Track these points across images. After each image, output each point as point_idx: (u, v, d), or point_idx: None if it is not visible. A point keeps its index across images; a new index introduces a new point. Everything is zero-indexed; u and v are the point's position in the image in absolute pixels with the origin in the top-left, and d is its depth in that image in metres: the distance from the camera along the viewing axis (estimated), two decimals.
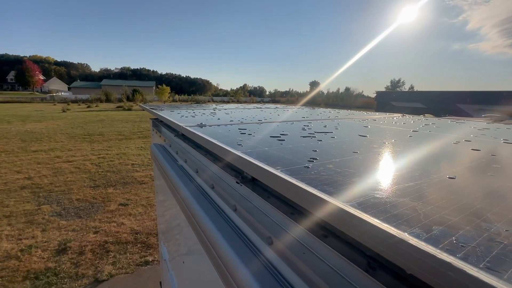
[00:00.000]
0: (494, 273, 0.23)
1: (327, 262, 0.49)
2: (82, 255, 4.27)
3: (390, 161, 0.72)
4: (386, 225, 0.34)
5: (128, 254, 4.37)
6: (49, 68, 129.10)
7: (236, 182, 0.79)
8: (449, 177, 0.58)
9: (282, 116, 1.82)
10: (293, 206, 0.61)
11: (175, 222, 1.70)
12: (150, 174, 8.03)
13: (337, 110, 2.72)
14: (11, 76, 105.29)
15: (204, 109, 2.37)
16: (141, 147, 11.72)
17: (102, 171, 8.27)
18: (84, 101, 45.09)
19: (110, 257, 4.26)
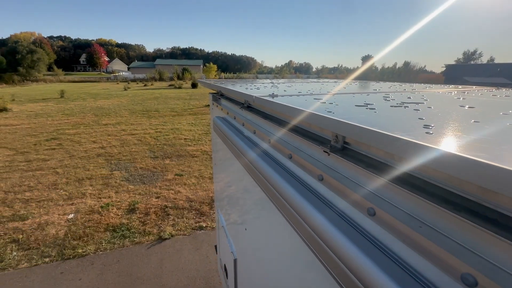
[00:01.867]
0: None
1: (454, 238, 0.44)
2: (148, 215, 4.88)
3: None
4: None
5: (184, 218, 4.84)
6: (112, 50, 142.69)
7: (324, 151, 0.76)
8: None
9: (351, 89, 1.69)
10: (401, 176, 0.55)
11: (239, 194, 1.78)
12: (201, 149, 8.56)
13: (408, 83, 2.42)
14: (83, 58, 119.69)
15: (262, 83, 2.34)
16: (192, 123, 12.46)
17: (160, 144, 9.09)
18: (141, 80, 49.25)
19: (170, 220, 4.78)
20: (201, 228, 4.59)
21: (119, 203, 5.25)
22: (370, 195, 0.59)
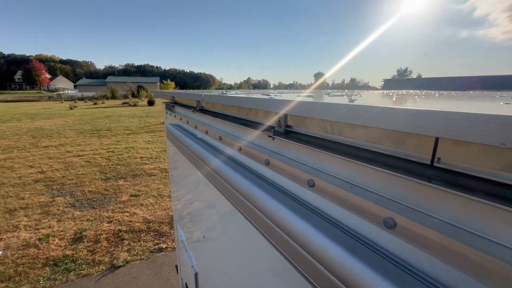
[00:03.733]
0: None
1: (376, 191, 0.48)
2: (98, 243, 4.37)
3: (436, 99, 0.70)
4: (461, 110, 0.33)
5: (142, 242, 4.45)
6: (55, 66, 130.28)
7: (269, 136, 0.78)
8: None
9: (301, 94, 1.80)
10: (334, 147, 0.59)
11: (196, 199, 1.71)
12: (160, 167, 8.11)
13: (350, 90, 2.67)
14: (18, 75, 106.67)
15: (217, 92, 2.36)
16: (149, 141, 11.82)
17: (112, 164, 8.38)
18: (90, 99, 45.52)
19: (125, 245, 4.35)
20: (160, 250, 4.25)
21: (62, 233, 4.61)
22: (310, 169, 0.63)
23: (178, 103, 2.04)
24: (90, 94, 50.35)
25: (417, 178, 0.42)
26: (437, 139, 0.40)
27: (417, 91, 2.10)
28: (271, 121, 0.82)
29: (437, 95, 1.29)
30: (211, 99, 1.14)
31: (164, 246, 4.36)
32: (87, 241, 4.45)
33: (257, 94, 1.28)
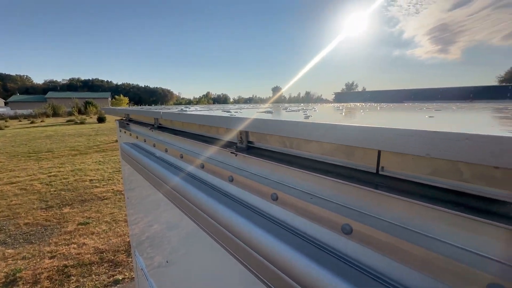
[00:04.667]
0: None
1: (333, 200, 0.52)
2: (37, 284, 3.76)
3: (375, 113, 0.79)
4: (397, 126, 0.38)
5: (93, 276, 3.96)
6: None
7: (231, 153, 0.79)
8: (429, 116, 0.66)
9: (260, 108, 1.86)
10: (294, 161, 0.63)
11: (156, 221, 1.61)
12: (114, 189, 7.43)
13: (306, 104, 2.85)
14: None
15: (176, 108, 2.30)
16: (100, 161, 10.81)
17: (55, 190, 7.42)
18: (26, 117, 40.17)
19: (72, 282, 3.81)
20: (116, 282, 3.83)
21: None
22: (273, 183, 0.65)
23: (134, 120, 1.93)
24: (26, 111, 44.46)
25: (367, 186, 0.46)
26: (379, 151, 0.45)
27: (363, 104, 2.34)
28: (233, 137, 0.83)
29: (378, 108, 1.45)
30: (170, 116, 1.11)
31: (120, 277, 3.95)
32: (22, 283, 3.80)
33: (217, 110, 1.29)
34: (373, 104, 2.21)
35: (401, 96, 11.67)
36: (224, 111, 1.14)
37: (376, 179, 0.47)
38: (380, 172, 0.46)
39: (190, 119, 0.93)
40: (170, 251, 1.40)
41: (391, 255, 0.41)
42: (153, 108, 2.18)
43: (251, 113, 1.03)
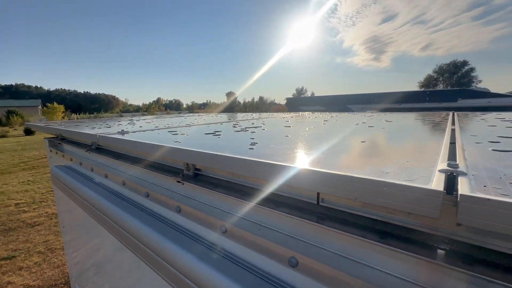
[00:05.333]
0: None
1: (282, 231, 0.53)
2: None
3: (317, 136, 0.84)
4: (336, 171, 0.40)
5: None
6: None
7: (178, 181, 0.75)
8: (361, 141, 0.72)
9: (209, 120, 1.82)
10: (242, 190, 0.62)
11: (96, 253, 1.44)
12: (48, 212, 6.45)
13: (258, 113, 2.91)
14: None
15: (118, 121, 2.11)
16: (29, 180, 9.29)
17: None
18: None
19: None
20: None
21: None
22: (222, 214, 0.63)
23: (68, 139, 1.71)
24: None
25: (308, 215, 0.48)
26: None
27: (310, 115, 2.48)
28: (180, 164, 0.79)
29: (322, 122, 1.55)
30: (107, 141, 1.01)
31: None
32: None
33: (164, 130, 1.22)
34: (319, 115, 2.36)
35: (345, 101, 12.83)
36: (170, 131, 1.08)
37: (316, 209, 0.49)
38: (321, 203, 0.49)
39: (129, 146, 0.86)
40: (114, 286, 1.27)
41: (332, 286, 0.43)
42: (92, 123, 1.97)
43: (198, 135, 1.00)
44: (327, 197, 0.47)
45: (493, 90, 10.32)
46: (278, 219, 0.53)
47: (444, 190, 0.29)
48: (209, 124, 1.45)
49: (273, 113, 2.66)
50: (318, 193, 0.48)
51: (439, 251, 0.35)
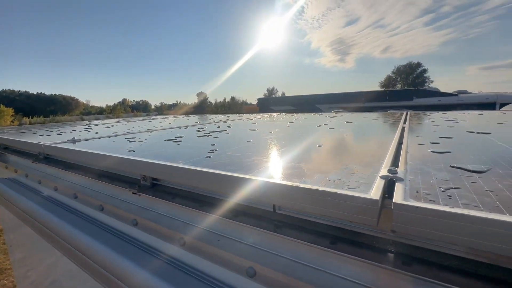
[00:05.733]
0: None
1: (241, 240, 0.52)
2: None
3: (277, 141, 0.85)
4: (287, 182, 0.41)
5: None
6: None
7: (133, 193, 0.70)
8: (318, 145, 0.74)
9: (175, 124, 1.76)
10: (202, 200, 0.61)
11: (50, 274, 1.31)
12: None
13: (227, 115, 2.88)
14: None
15: (73, 126, 1.95)
16: None
17: None
18: None
19: None
20: None
21: None
22: (181, 226, 0.60)
23: (11, 148, 1.54)
24: None
25: (265, 223, 0.48)
26: None
27: (278, 116, 2.52)
28: (137, 174, 0.75)
29: (288, 124, 1.58)
30: (54, 151, 0.92)
31: None
32: None
33: (121, 136, 1.15)
34: (286, 116, 2.41)
35: (314, 100, 13.30)
36: (128, 138, 1.02)
37: (273, 217, 0.49)
38: (277, 211, 0.49)
39: (78, 157, 0.79)
40: None
41: None
42: (43, 130, 1.79)
43: (157, 142, 0.96)
44: (283, 205, 0.47)
45: (442, 89, 11.42)
46: (237, 228, 0.53)
47: (381, 197, 0.30)
48: (173, 128, 1.40)
49: (241, 115, 2.66)
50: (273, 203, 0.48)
51: (385, 254, 0.37)
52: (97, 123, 2.21)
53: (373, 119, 1.61)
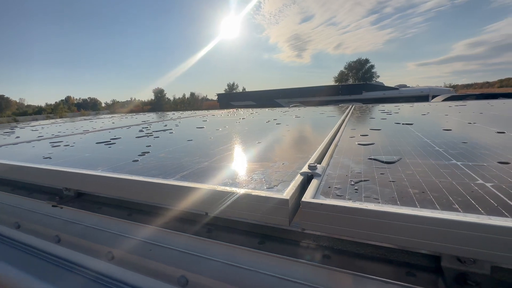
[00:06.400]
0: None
1: (173, 247, 0.49)
2: None
3: (219, 139, 0.82)
4: (220, 187, 0.39)
5: None
6: None
7: (53, 206, 0.62)
8: (257, 142, 0.74)
9: (119, 123, 1.62)
10: (132, 208, 0.56)
11: None
12: None
13: (181, 112, 2.76)
14: None
15: None
16: None
17: None
18: None
19: None
20: None
21: None
22: (110, 238, 0.55)
23: None
24: None
25: (198, 227, 0.46)
26: None
27: (234, 111, 2.50)
28: (57, 185, 0.66)
29: (238, 121, 1.57)
30: None
31: None
32: None
33: (44, 140, 1.01)
34: (241, 112, 2.40)
35: (273, 95, 13.57)
36: (53, 142, 0.90)
37: (205, 220, 0.48)
38: (209, 214, 0.47)
39: None
40: None
41: None
42: None
43: (86, 146, 0.86)
44: (204, 209, 0.45)
45: (386, 84, 12.61)
46: (169, 236, 0.49)
47: (294, 196, 0.30)
48: (114, 129, 1.27)
49: (196, 112, 2.57)
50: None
51: (306, 249, 0.38)
52: (25, 125, 1.93)
53: (320, 113, 1.69)
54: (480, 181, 0.34)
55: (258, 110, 2.56)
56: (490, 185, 0.32)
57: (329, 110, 1.94)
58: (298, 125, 1.09)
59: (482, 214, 0.26)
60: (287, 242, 0.40)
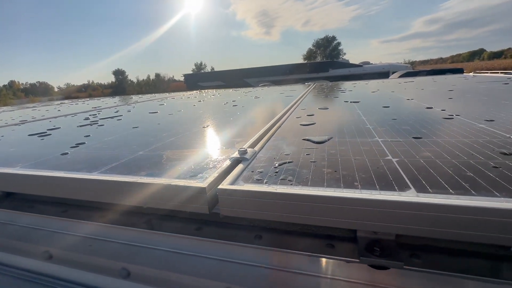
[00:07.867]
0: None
1: (116, 240, 0.48)
2: None
3: (166, 125, 0.80)
4: (143, 179, 0.38)
5: None
6: None
7: None
8: (203, 127, 0.74)
9: (64, 111, 1.48)
10: (69, 204, 0.53)
11: None
12: None
13: (141, 95, 2.60)
14: None
15: None
16: None
17: None
18: None
19: None
20: None
21: None
22: (46, 236, 0.52)
23: None
24: None
25: (137, 218, 0.46)
26: None
27: (196, 93, 2.41)
28: None
29: (204, 99, 1.52)
30: None
31: None
32: None
33: None
34: (203, 94, 2.33)
35: (242, 74, 13.31)
36: None
37: (145, 211, 0.47)
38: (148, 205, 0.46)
39: None
40: None
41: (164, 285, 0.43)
42: None
43: (15, 139, 0.78)
44: (140, 201, 0.45)
45: (352, 61, 12.99)
46: (109, 230, 0.48)
47: (213, 183, 0.31)
48: (55, 117, 1.16)
49: (155, 94, 2.44)
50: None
51: (239, 231, 0.39)
52: None
53: (280, 92, 1.70)
54: (389, 157, 0.37)
55: (223, 91, 2.50)
56: (395, 160, 0.36)
57: (290, 89, 1.95)
58: (253, 107, 1.09)
59: (376, 189, 0.28)
60: (223, 226, 0.42)
